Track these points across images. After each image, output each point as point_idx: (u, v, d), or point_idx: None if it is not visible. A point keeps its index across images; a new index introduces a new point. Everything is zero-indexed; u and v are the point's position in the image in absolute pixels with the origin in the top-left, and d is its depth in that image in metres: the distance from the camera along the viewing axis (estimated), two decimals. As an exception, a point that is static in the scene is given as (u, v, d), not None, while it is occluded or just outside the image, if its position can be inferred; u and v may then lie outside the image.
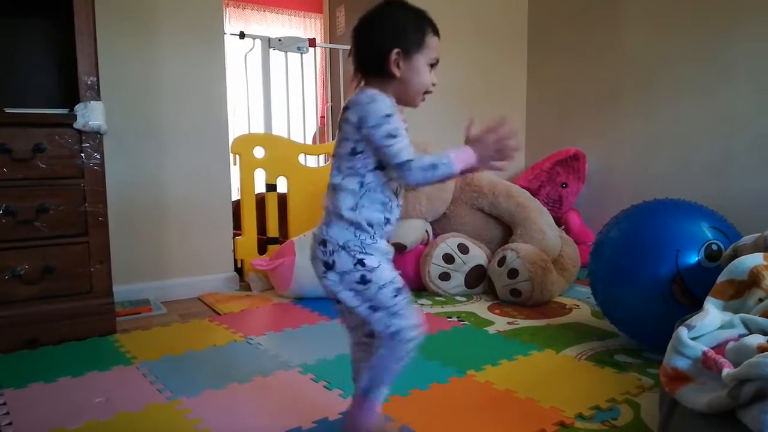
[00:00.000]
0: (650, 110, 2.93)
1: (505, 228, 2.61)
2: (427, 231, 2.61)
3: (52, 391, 1.52)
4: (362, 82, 1.14)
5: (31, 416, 1.37)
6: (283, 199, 2.90)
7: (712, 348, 1.02)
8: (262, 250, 2.83)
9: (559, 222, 2.96)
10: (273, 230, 2.86)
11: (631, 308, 1.76)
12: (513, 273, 2.29)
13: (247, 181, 2.75)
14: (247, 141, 2.78)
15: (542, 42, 3.49)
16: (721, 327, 1.10)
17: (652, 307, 1.67)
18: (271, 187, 2.84)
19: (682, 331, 1.06)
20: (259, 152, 2.79)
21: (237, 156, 2.72)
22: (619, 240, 1.81)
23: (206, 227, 2.65)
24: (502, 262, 2.34)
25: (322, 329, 2.04)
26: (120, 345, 1.89)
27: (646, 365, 1.65)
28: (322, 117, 4.74)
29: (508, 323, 2.08)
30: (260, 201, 2.85)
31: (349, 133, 1.08)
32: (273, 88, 3.06)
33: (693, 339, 1.05)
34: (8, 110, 1.93)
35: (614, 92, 3.10)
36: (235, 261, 2.76)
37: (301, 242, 2.48)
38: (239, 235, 2.78)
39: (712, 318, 1.11)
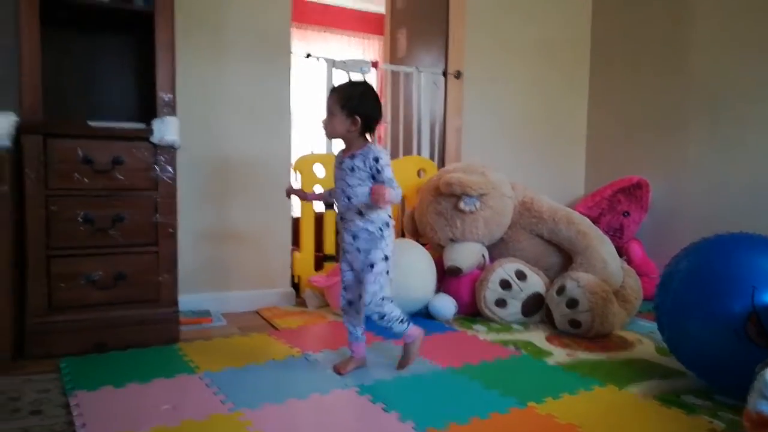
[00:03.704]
0: (719, 138, 2.83)
1: (564, 256, 2.56)
2: (483, 255, 2.58)
3: (122, 396, 1.57)
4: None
5: (103, 419, 1.43)
6: (340, 217, 2.93)
7: (801, 396, 0.97)
8: (318, 266, 2.86)
9: (620, 252, 2.87)
10: (330, 247, 2.90)
11: (700, 347, 1.68)
12: (573, 303, 2.24)
13: (306, 198, 2.80)
14: (308, 159, 2.84)
15: (605, 66, 3.44)
16: (810, 374, 1.05)
17: (724, 346, 1.60)
18: (329, 205, 2.89)
19: (768, 376, 1.01)
20: (319, 170, 2.84)
21: (298, 173, 2.78)
22: (688, 273, 1.74)
23: (266, 242, 2.71)
24: (561, 290, 2.29)
25: (377, 350, 2.04)
26: (183, 354, 1.94)
27: (716, 408, 1.58)
28: (378, 136, 4.80)
29: (567, 355, 2.03)
30: (318, 218, 2.90)
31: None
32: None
33: (779, 385, 1.00)
34: (91, 123, 2.05)
35: (680, 119, 3.01)
36: (292, 276, 2.81)
37: (358, 261, 2.50)
38: (296, 251, 2.83)
39: (799, 364, 1.06)
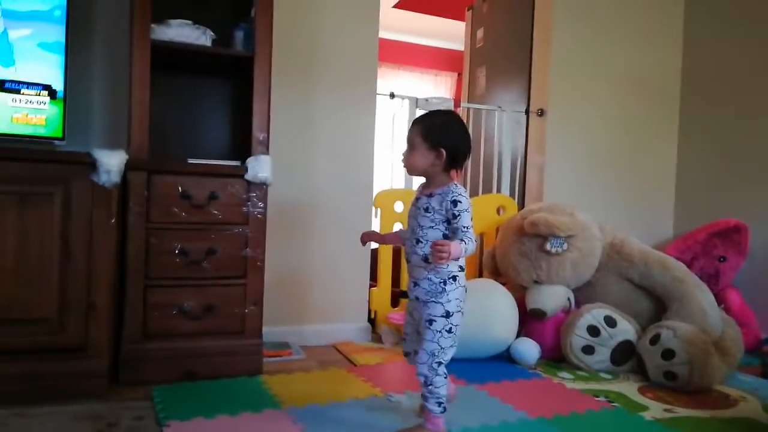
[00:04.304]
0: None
1: (655, 302, 2.43)
2: (569, 299, 2.49)
3: (212, 428, 1.60)
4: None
5: (197, 451, 1.45)
6: (418, 254, 2.92)
7: None
8: (394, 302, 2.85)
9: (716, 299, 2.70)
10: (406, 284, 2.88)
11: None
12: (668, 354, 2.11)
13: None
14: (389, 196, 2.86)
15: (696, 105, 3.29)
16: None
17: None
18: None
19: None
20: (399, 206, 2.85)
21: (378, 209, 2.81)
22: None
23: (345, 277, 2.73)
24: (655, 340, 2.17)
25: (461, 394, 1.97)
26: (267, 387, 1.96)
27: None
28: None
29: (665, 410, 1.90)
30: (396, 253, 2.90)
31: None
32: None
33: None
34: (190, 161, 2.15)
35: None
36: (369, 312, 2.81)
37: (438, 299, 2.47)
38: (374, 286, 2.83)
39: None
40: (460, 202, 1.51)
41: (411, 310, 1.65)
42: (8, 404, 1.71)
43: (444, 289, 1.54)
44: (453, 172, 1.59)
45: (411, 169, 1.61)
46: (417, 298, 1.58)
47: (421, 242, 1.56)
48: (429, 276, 1.55)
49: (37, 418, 1.64)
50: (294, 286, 2.65)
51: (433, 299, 1.54)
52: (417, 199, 1.62)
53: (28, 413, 1.67)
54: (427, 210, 1.55)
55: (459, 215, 1.50)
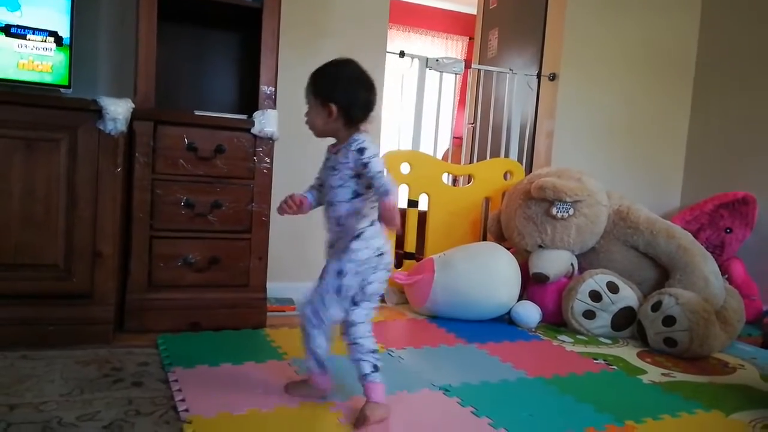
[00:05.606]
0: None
1: (660, 270, 2.43)
2: (572, 264, 2.49)
3: (217, 376, 1.63)
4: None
5: (200, 396, 1.47)
6: (422, 216, 2.92)
7: None
8: (398, 264, 2.86)
9: (720, 270, 2.70)
10: (411, 246, 2.89)
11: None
12: (669, 320, 2.12)
13: (391, 195, 2.80)
14: (395, 157, 2.84)
15: (711, 75, 3.23)
16: None
17: None
18: (412, 203, 2.88)
19: None
20: (404, 168, 2.83)
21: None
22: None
23: (350, 236, 2.73)
24: (657, 306, 2.18)
25: (461, 352, 2.01)
26: (271, 340, 1.99)
27: (838, 447, 1.44)
28: (458, 137, 4.75)
29: (663, 374, 1.92)
30: (401, 215, 2.89)
31: None
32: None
33: None
34: (197, 113, 2.13)
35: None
36: (372, 272, 2.82)
37: (441, 260, 2.48)
38: (378, 247, 2.84)
39: None
40: (366, 149, 1.34)
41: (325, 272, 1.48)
42: (16, 347, 1.74)
43: (376, 267, 1.40)
44: (362, 128, 1.41)
45: (314, 132, 1.44)
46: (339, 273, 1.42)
47: (334, 204, 1.40)
48: (352, 245, 1.39)
49: (44, 361, 1.67)
50: (299, 243, 2.65)
51: (366, 276, 1.41)
52: (326, 159, 1.47)
53: (35, 356, 1.70)
54: (334, 168, 1.40)
55: (369, 162, 1.32)
